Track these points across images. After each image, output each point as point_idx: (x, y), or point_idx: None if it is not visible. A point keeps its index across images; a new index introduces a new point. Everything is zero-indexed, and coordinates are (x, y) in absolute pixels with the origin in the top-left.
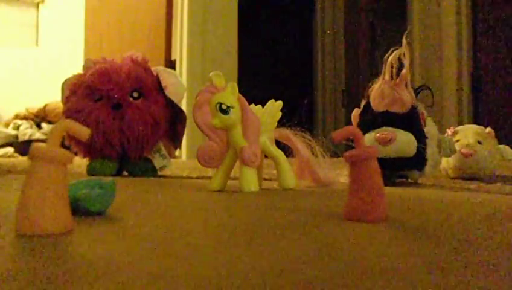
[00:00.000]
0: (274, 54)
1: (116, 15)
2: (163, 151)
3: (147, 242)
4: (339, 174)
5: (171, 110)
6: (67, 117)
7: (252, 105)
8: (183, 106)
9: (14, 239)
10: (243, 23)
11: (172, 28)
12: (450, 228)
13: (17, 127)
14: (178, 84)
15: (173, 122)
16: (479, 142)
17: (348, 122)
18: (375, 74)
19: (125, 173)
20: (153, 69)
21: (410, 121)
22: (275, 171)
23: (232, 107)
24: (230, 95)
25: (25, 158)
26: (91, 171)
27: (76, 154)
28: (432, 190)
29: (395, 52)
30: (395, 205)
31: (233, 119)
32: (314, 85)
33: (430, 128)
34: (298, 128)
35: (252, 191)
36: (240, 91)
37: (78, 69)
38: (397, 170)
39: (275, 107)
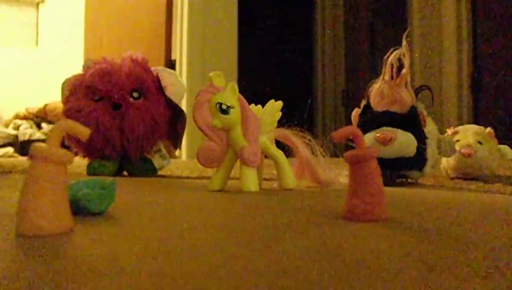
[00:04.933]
0: (274, 54)
1: (116, 15)
2: (163, 151)
3: (147, 242)
4: (339, 174)
5: (171, 110)
6: (67, 117)
7: (252, 105)
8: (183, 106)
9: (14, 239)
10: (243, 23)
11: (172, 28)
12: (450, 227)
13: (17, 127)
14: (178, 84)
15: (173, 122)
16: (479, 142)
17: (348, 122)
18: (375, 74)
19: (125, 173)
20: (153, 69)
21: (410, 121)
22: (275, 171)
23: (232, 107)
24: (230, 95)
25: (25, 158)
26: (91, 171)
27: (76, 154)
28: (431, 190)
29: (395, 52)
30: (395, 205)
31: (233, 119)
32: (314, 85)
33: (430, 128)
34: (298, 128)
35: (252, 191)
36: (240, 91)
37: (78, 69)
38: (397, 170)
39: (275, 107)
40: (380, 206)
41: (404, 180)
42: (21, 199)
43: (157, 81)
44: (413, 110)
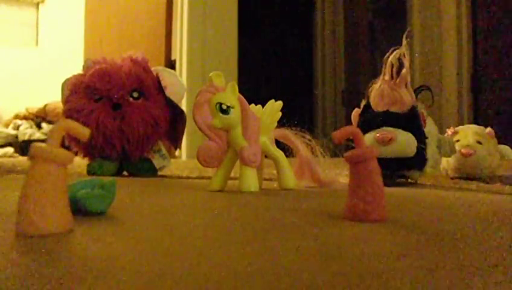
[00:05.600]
0: (274, 54)
1: (116, 15)
2: (163, 151)
3: (147, 242)
4: (339, 174)
5: (171, 110)
6: (67, 117)
7: (252, 105)
8: (183, 106)
9: (14, 239)
10: (243, 23)
11: (172, 28)
12: (450, 228)
13: (17, 127)
14: (178, 84)
15: (173, 122)
16: (479, 142)
17: (348, 122)
18: (375, 74)
19: (125, 173)
20: (153, 69)
21: (410, 121)
22: (275, 171)
23: (232, 107)
24: (230, 95)
25: (25, 158)
26: (91, 171)
27: (76, 154)
28: (431, 190)
29: (395, 52)
30: (395, 205)
31: (233, 119)
32: (314, 85)
33: (430, 128)
34: (298, 128)
35: (252, 191)
36: (240, 91)
37: (78, 69)
38: (397, 170)
39: (275, 107)
40: (380, 206)
41: (404, 180)
42: (21, 199)
43: (157, 81)
44: (413, 110)
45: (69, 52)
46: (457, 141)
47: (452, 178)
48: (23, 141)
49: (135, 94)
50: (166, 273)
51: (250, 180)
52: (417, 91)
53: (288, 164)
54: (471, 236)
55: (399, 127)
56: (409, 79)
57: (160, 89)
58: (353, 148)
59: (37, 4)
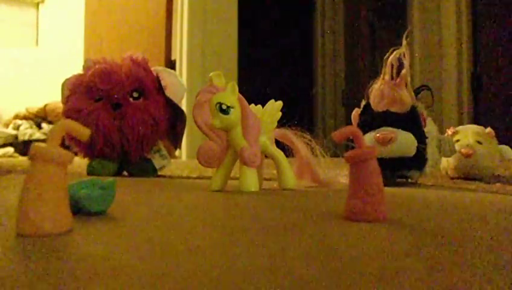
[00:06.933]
0: (274, 54)
1: (116, 15)
2: (163, 151)
3: (147, 242)
4: (339, 174)
5: (171, 110)
6: (67, 117)
7: (252, 105)
8: (183, 106)
9: (14, 239)
10: (243, 23)
11: (172, 28)
12: (450, 228)
13: (17, 127)
14: (178, 84)
15: (173, 122)
16: (479, 142)
17: (348, 122)
18: (375, 74)
19: (125, 173)
20: (153, 69)
21: (410, 121)
22: (275, 171)
23: (232, 107)
24: (230, 95)
25: (25, 158)
26: (91, 171)
27: (76, 154)
28: (431, 190)
29: (395, 52)
30: (395, 205)
31: (233, 119)
32: (314, 85)
33: (430, 128)
34: (298, 128)
35: (252, 191)
36: (240, 91)
37: (78, 69)
38: (397, 170)
39: (275, 107)
40: (380, 206)
41: (404, 180)
42: (21, 199)
43: (157, 81)
44: (413, 110)
45: (69, 52)
46: (457, 141)
47: (452, 178)
48: (23, 141)
49: (135, 94)
50: (166, 273)
51: (250, 180)
52: (417, 91)
53: (288, 164)
54: (471, 236)
55: (399, 127)
56: (409, 79)
57: (160, 89)
58: (353, 148)
59: (37, 4)
